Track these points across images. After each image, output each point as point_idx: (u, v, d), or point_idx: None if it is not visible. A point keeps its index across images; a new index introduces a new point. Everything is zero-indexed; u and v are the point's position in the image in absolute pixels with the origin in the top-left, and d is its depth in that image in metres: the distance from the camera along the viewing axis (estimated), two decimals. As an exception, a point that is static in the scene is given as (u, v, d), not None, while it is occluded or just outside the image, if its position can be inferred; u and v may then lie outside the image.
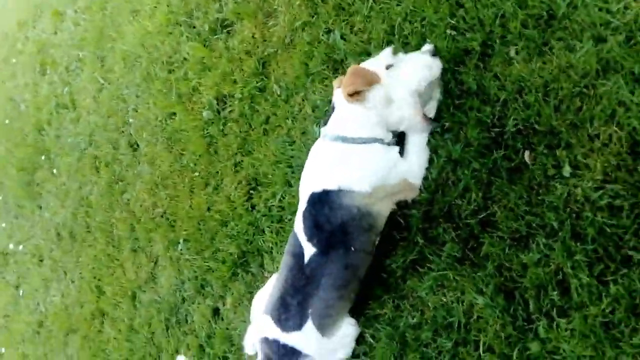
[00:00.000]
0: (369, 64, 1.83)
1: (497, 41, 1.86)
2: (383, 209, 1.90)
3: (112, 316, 3.25)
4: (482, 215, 1.78)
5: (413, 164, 1.92)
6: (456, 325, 1.78)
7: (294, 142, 2.47)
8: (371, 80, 1.77)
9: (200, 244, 2.79)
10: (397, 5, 2.19)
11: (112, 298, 3.28)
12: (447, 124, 1.91)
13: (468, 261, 1.79)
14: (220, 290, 2.62)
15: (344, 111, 1.82)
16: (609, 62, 1.61)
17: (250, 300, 2.46)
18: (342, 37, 2.38)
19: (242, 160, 2.72)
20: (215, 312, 2.64)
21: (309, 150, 2.34)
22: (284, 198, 2.44)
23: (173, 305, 2.86)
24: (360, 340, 2.00)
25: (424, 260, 1.90)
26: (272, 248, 2.43)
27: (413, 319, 1.89)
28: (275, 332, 1.90)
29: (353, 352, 2.00)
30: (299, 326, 1.86)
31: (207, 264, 2.71)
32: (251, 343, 2.16)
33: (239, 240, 2.58)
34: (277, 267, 2.36)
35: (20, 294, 4.17)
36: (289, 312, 1.88)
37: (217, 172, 2.84)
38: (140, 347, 2.98)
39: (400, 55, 1.86)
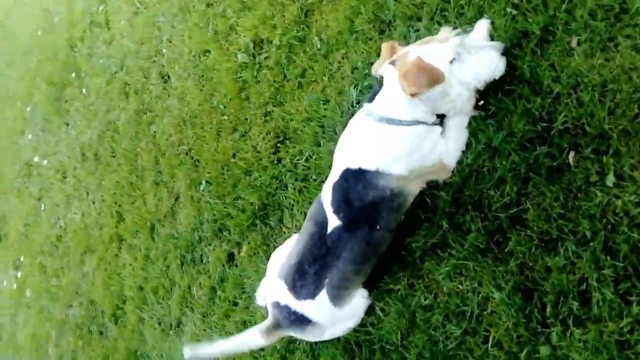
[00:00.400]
0: (432, 53, 1.67)
1: (560, 28, 1.73)
2: (414, 188, 1.86)
3: (129, 243, 3.34)
4: (513, 211, 1.73)
5: (450, 145, 1.85)
6: (468, 315, 1.78)
7: (328, 102, 2.40)
8: (436, 80, 1.65)
9: (222, 188, 2.80)
10: (458, -30, 2.04)
11: (132, 226, 3.35)
12: (492, 108, 1.82)
13: (491, 254, 1.76)
14: (237, 237, 2.65)
15: (395, 93, 1.73)
16: (679, 71, 1.50)
17: (265, 252, 2.50)
18: (393, -3, 2.25)
19: (272, 111, 2.66)
20: (230, 257, 2.69)
21: (343, 111, 2.29)
22: (311, 157, 2.41)
23: (190, 244, 2.91)
24: (369, 311, 2.03)
25: (445, 245, 1.87)
26: (293, 205, 2.43)
27: (425, 300, 1.90)
28: (287, 299, 1.92)
29: (361, 322, 2.03)
30: (312, 295, 1.88)
31: (226, 209, 2.73)
32: (263, 296, 2.20)
33: (260, 192, 2.58)
34: (297, 225, 2.38)
35: (42, 207, 4.29)
36: (305, 280, 1.89)
37: (247, 118, 2.80)
38: (154, 277, 3.07)
39: (466, 42, 1.72)
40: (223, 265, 2.68)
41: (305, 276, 1.89)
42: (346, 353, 2.07)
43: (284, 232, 2.45)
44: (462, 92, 1.75)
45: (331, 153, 2.28)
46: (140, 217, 3.30)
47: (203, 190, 2.93)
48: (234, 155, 2.80)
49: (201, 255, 2.84)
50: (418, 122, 1.76)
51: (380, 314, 2.00)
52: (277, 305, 1.96)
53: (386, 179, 1.77)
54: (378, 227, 1.85)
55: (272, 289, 2.01)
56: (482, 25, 1.83)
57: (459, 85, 1.70)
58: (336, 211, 1.83)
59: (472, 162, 1.86)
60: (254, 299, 2.32)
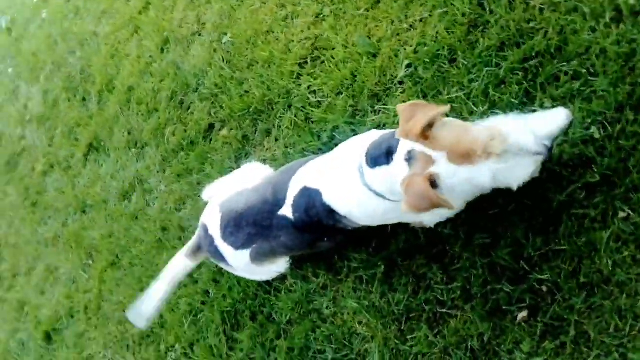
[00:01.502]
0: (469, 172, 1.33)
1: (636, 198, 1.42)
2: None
3: (142, 39, 3.17)
4: (441, 310, 1.64)
5: (435, 217, 1.67)
6: (346, 352, 1.80)
7: (375, 57, 2.06)
8: (437, 206, 1.32)
9: (238, 58, 2.57)
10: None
11: (150, 24, 3.13)
12: (496, 210, 1.59)
13: (397, 325, 1.72)
14: (225, 116, 2.52)
15: (395, 183, 1.40)
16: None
17: (237, 151, 2.42)
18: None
19: (326, 16, 2.31)
20: (210, 128, 2.59)
21: (380, 81, 2.03)
22: (326, 98, 2.16)
23: (186, 86, 2.77)
24: (281, 278, 2.04)
25: (370, 285, 1.81)
26: (282, 131, 2.26)
27: (326, 309, 1.91)
28: (215, 231, 1.88)
29: (270, 281, 2.06)
30: (236, 247, 1.85)
31: (230, 84, 2.54)
32: (209, 195, 2.16)
33: (267, 92, 2.37)
34: (274, 154, 2.25)
35: None
36: (236, 231, 1.83)
37: (299, 2, 2.44)
38: (145, 90, 2.98)
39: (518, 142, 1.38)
40: (200, 131, 2.60)
41: (239, 230, 1.83)
42: (242, 294, 2.14)
43: (262, 148, 2.32)
44: (471, 192, 1.51)
45: (341, 112, 2.07)
46: (161, 20, 3.08)
47: (224, 44, 2.69)
48: (267, 33, 2.51)
49: (190, 105, 2.73)
50: None
51: (288, 288, 2.02)
52: (205, 229, 1.93)
53: (352, 222, 1.63)
54: (325, 240, 1.77)
55: (210, 211, 1.97)
56: (562, 116, 1.49)
57: (472, 187, 1.45)
58: (294, 211, 1.70)
59: (446, 234, 1.69)
60: (202, 189, 2.28)
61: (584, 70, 1.57)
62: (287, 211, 1.72)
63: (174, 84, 2.84)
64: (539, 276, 1.48)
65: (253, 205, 1.82)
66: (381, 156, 1.45)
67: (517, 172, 1.38)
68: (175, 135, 2.72)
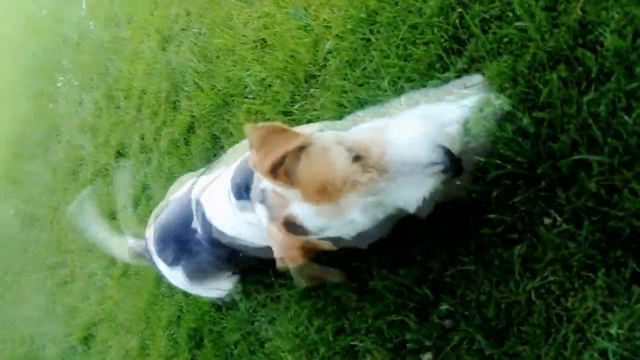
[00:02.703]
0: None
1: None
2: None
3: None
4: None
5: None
6: None
7: (310, 29, 1.73)
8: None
9: (210, 48, 2.38)
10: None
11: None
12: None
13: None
14: (199, 112, 2.35)
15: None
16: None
17: (208, 151, 2.25)
18: None
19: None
20: (190, 128, 2.45)
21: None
22: (269, 86, 1.88)
23: (176, 85, 2.66)
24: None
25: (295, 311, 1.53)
26: (237, 128, 2.03)
27: (264, 331, 1.67)
28: (151, 246, 1.73)
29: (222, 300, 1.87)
30: (168, 264, 1.68)
31: (203, 79, 2.36)
32: (170, 194, 2.02)
33: (227, 85, 2.16)
34: (224, 150, 2.04)
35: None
36: (165, 247, 1.66)
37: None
38: (151, 92, 2.94)
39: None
40: (183, 132, 2.47)
41: (166, 246, 1.65)
42: (202, 310, 1.98)
43: (222, 148, 2.11)
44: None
45: (281, 101, 1.79)
46: (158, 17, 3.01)
47: (201, 35, 2.52)
48: (227, 17, 2.27)
49: (180, 104, 2.60)
50: None
51: (231, 306, 1.82)
52: (146, 241, 1.80)
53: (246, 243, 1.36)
54: (241, 254, 1.51)
55: (151, 222, 1.82)
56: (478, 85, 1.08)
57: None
58: (199, 222, 1.48)
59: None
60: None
61: (509, 14, 1.10)
62: (197, 224, 1.51)
63: (168, 83, 2.75)
64: (441, 306, 1.08)
65: (172, 219, 1.64)
66: (241, 188, 1.22)
67: (407, 194, 0.98)
68: (167, 137, 2.63)
